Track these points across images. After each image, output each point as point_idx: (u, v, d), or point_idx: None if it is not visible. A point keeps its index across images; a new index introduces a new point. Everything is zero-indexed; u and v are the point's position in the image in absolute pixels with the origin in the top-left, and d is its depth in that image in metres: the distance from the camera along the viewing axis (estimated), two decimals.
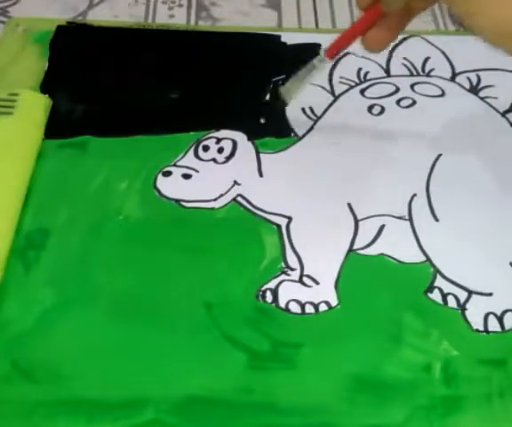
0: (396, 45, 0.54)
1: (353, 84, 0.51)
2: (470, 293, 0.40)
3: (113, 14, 0.57)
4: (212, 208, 0.43)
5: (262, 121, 0.48)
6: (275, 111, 0.49)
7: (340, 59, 0.53)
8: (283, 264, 0.41)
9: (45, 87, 0.50)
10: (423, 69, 0.53)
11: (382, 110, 0.49)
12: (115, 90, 0.50)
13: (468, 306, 0.39)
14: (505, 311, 0.39)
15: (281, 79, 0.50)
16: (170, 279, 0.40)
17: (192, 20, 0.57)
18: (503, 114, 0.49)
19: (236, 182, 0.45)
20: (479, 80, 0.52)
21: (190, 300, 0.39)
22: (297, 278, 0.40)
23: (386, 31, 0.40)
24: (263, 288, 0.40)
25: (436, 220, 0.43)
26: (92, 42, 0.54)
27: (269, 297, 0.39)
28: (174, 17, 0.57)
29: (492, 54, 0.51)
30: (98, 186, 0.44)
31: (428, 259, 0.41)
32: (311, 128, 0.48)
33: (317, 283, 0.40)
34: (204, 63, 0.52)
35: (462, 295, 0.40)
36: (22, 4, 0.58)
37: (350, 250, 0.42)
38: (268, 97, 0.50)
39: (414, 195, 0.44)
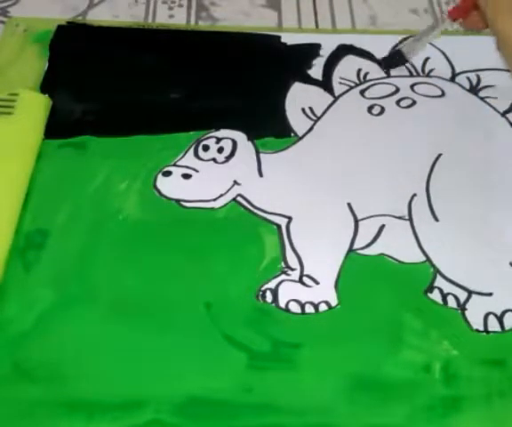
0: (396, 46, 0.54)
1: (353, 84, 0.51)
2: (470, 293, 0.40)
3: (113, 14, 0.57)
4: (212, 208, 0.43)
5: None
6: (393, 66, 0.51)
7: (340, 59, 0.53)
8: (283, 264, 0.41)
9: (45, 87, 0.50)
10: (423, 70, 0.53)
11: (382, 111, 0.49)
12: (115, 90, 0.50)
13: (467, 306, 0.39)
14: (505, 311, 0.39)
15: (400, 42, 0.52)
16: (170, 279, 0.40)
17: (192, 20, 0.57)
18: (503, 114, 0.49)
19: (235, 182, 0.45)
20: (479, 80, 0.52)
21: (190, 299, 0.39)
22: (297, 278, 0.40)
23: None
24: (263, 288, 0.40)
25: (436, 220, 0.43)
26: (91, 42, 0.54)
27: (269, 297, 0.39)
28: (174, 17, 0.57)
29: (491, 54, 0.52)
30: (98, 186, 0.44)
31: (428, 259, 0.41)
32: (311, 128, 0.48)
33: (317, 283, 0.40)
34: (205, 63, 0.52)
35: (462, 295, 0.40)
36: (22, 4, 0.58)
37: (350, 250, 0.42)
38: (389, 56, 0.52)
39: (414, 195, 0.44)
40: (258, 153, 0.46)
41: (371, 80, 0.52)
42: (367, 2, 0.59)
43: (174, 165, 0.45)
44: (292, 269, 0.41)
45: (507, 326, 0.38)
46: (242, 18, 0.58)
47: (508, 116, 0.49)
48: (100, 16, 0.57)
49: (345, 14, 0.58)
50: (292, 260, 0.41)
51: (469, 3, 0.47)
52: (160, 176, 0.45)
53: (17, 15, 0.56)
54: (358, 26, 0.57)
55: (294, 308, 0.39)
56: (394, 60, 0.52)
